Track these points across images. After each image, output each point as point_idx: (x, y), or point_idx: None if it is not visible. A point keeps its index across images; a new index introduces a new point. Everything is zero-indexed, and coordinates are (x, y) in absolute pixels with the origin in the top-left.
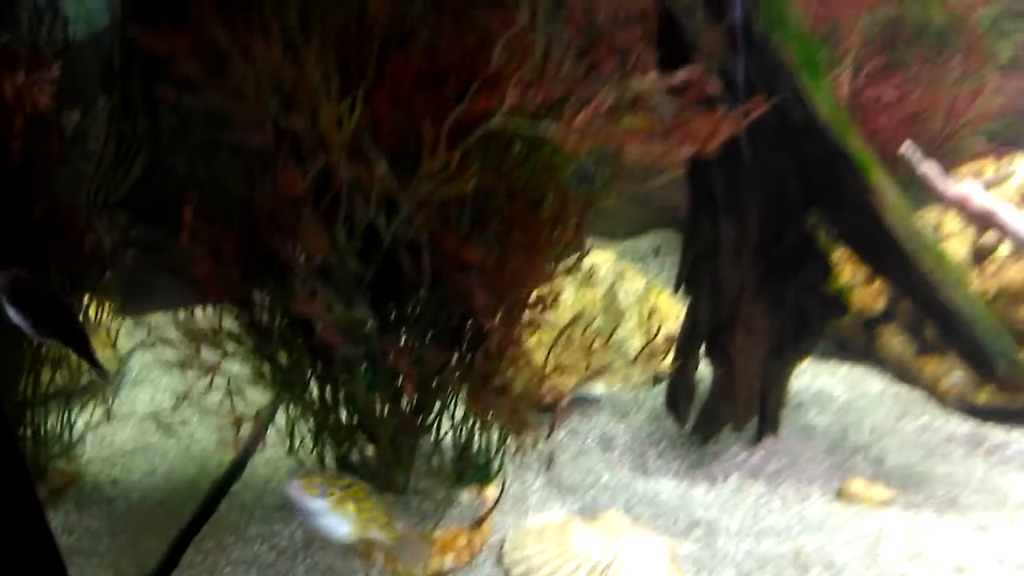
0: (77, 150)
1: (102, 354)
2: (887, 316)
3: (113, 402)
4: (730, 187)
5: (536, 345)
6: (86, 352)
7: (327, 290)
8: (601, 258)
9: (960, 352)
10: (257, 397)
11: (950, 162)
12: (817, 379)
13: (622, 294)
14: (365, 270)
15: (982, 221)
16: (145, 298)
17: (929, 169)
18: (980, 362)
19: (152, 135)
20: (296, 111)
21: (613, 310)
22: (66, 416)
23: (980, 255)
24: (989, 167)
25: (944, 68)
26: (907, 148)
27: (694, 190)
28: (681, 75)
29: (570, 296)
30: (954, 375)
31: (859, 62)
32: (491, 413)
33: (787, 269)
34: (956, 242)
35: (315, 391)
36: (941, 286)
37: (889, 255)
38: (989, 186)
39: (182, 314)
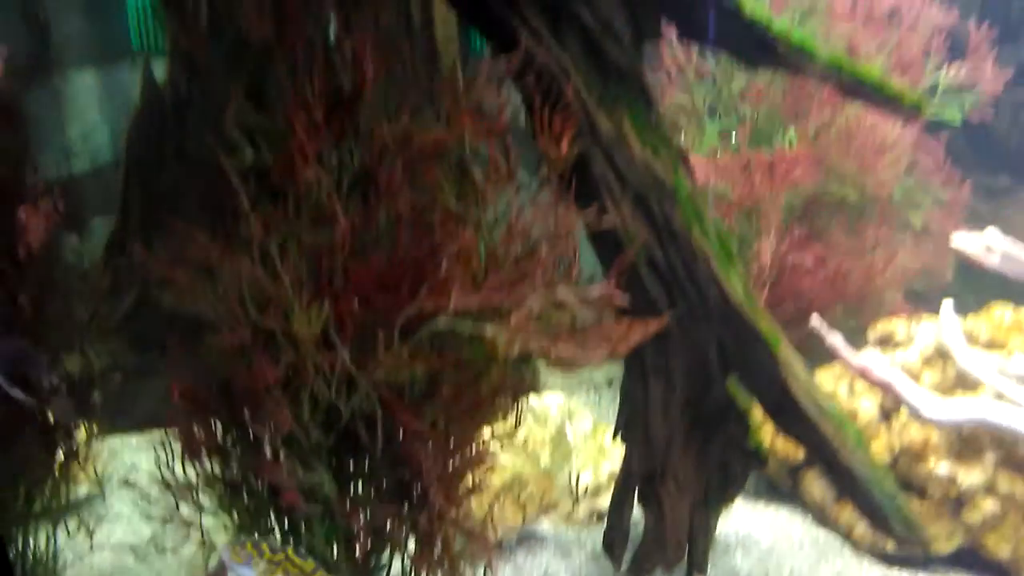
0: (73, 277)
1: (84, 477)
2: (809, 462)
3: (94, 530)
4: (658, 354)
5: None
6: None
7: (291, 457)
8: (552, 399)
9: (860, 510)
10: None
11: (871, 315)
12: (745, 522)
13: (571, 432)
14: (325, 440)
15: (882, 389)
16: (129, 416)
17: (835, 340)
18: (878, 521)
19: (145, 267)
20: (271, 314)
21: (562, 448)
22: (53, 543)
23: (887, 413)
24: (901, 326)
25: (862, 236)
26: (815, 321)
27: (628, 354)
28: (598, 289)
29: (521, 435)
30: (865, 523)
31: (783, 233)
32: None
33: (711, 426)
34: (867, 399)
35: (278, 538)
36: (841, 450)
37: (796, 420)
38: (898, 345)
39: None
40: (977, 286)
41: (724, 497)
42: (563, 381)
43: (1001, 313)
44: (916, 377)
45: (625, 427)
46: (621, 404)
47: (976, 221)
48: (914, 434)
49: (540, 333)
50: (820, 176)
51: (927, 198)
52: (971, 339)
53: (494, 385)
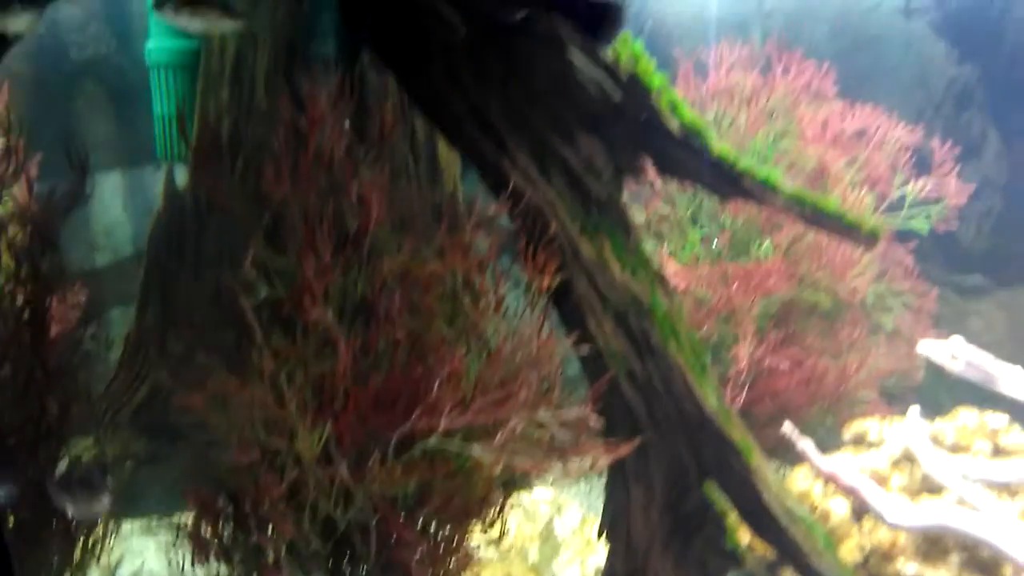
0: (93, 368)
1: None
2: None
3: None
4: (638, 460)
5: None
6: None
7: (291, 563)
8: (542, 494)
9: None
10: None
11: (846, 415)
12: None
13: (559, 526)
14: (323, 547)
15: (849, 494)
16: (139, 503)
17: (806, 446)
18: None
19: (160, 363)
20: (278, 435)
21: (551, 543)
22: None
23: (859, 514)
24: (874, 425)
25: (836, 339)
26: (787, 428)
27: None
28: (575, 411)
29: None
30: None
31: (760, 337)
32: None
33: (690, 528)
34: (840, 499)
35: None
36: (811, 553)
37: (768, 525)
38: (871, 445)
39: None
40: (950, 386)
41: None
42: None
43: (966, 417)
44: (885, 480)
45: (608, 528)
46: (605, 505)
47: (955, 316)
48: (883, 535)
49: (522, 451)
50: (793, 284)
51: (897, 302)
52: (937, 442)
53: (481, 495)
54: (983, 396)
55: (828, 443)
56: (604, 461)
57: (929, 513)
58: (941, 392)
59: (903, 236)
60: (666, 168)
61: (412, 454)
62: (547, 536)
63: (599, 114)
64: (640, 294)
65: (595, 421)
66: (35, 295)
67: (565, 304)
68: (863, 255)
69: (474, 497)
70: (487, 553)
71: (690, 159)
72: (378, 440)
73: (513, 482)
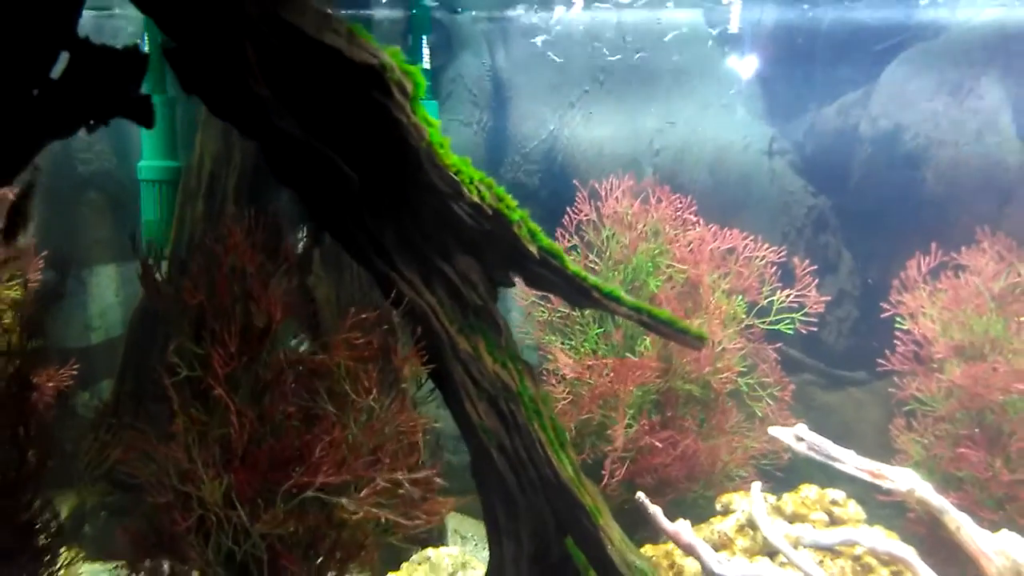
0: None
1: None
2: None
3: None
4: (509, 519)
5: None
6: None
7: None
8: (448, 551)
9: None
10: None
11: (719, 488)
12: None
13: None
14: (227, 574)
15: (687, 551)
16: (108, 548)
17: (654, 511)
18: None
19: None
20: (189, 483)
21: None
22: None
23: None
24: (738, 497)
25: (709, 423)
26: (640, 496)
27: (486, 511)
28: (423, 473)
29: None
30: None
31: (640, 419)
32: None
33: None
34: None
35: None
36: None
37: (610, 573)
38: (733, 512)
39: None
40: (821, 465)
41: None
42: (475, 530)
43: (808, 492)
44: (732, 542)
45: None
46: (489, 559)
47: (821, 404)
48: None
49: (383, 504)
50: (663, 376)
51: (766, 393)
52: (780, 512)
53: (359, 541)
54: (844, 476)
55: (706, 511)
56: (445, 512)
57: (746, 567)
58: (815, 470)
59: (772, 336)
60: (531, 282)
61: (294, 503)
62: None
63: (473, 239)
64: (509, 382)
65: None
66: (20, 370)
67: (447, 389)
68: (723, 353)
69: (355, 542)
70: None
71: (549, 275)
72: (271, 491)
73: (390, 531)
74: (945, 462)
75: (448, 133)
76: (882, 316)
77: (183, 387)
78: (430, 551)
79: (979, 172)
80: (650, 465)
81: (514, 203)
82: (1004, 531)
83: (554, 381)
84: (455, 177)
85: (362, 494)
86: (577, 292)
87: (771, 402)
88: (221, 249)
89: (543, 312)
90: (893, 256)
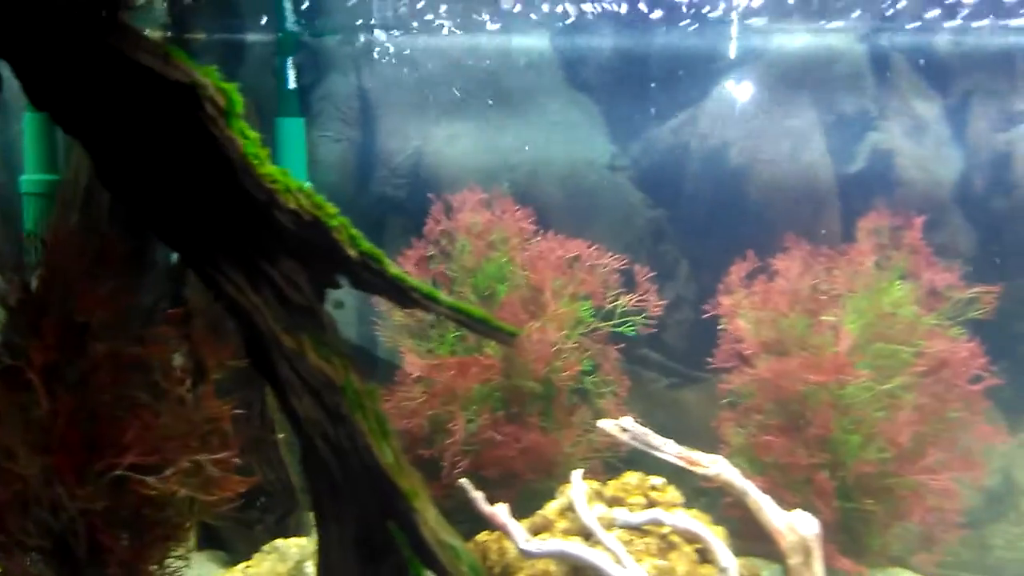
0: None
1: None
2: None
3: None
4: (333, 503)
5: None
6: None
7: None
8: (298, 541)
9: None
10: None
11: (564, 478)
12: None
13: (308, 568)
14: (48, 544)
15: (502, 530)
16: None
17: (476, 496)
18: None
19: None
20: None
21: None
22: None
23: None
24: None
25: (553, 418)
26: (464, 483)
27: (312, 496)
28: (227, 455)
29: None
30: None
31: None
32: None
33: (379, 560)
34: None
35: None
36: (452, 568)
37: (425, 553)
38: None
39: None
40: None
41: None
42: None
43: (630, 478)
44: (553, 523)
45: (317, 560)
46: (317, 542)
47: (661, 400)
48: (541, 566)
49: (188, 483)
50: (506, 375)
51: (608, 390)
52: (602, 496)
53: (173, 518)
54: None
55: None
56: (237, 489)
57: (551, 544)
58: (652, 460)
59: (615, 338)
60: (355, 284)
61: (105, 481)
62: (295, 575)
63: (296, 244)
64: (333, 376)
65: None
66: None
67: (273, 383)
68: (560, 352)
69: (171, 522)
70: None
71: (371, 277)
72: (87, 471)
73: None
74: (755, 449)
75: (319, 149)
76: (703, 318)
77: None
78: (279, 541)
79: (795, 186)
80: (495, 458)
81: (333, 210)
82: (796, 510)
83: (410, 381)
84: (270, 186)
85: (167, 473)
86: (398, 293)
87: (612, 399)
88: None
89: (400, 316)
90: (722, 263)
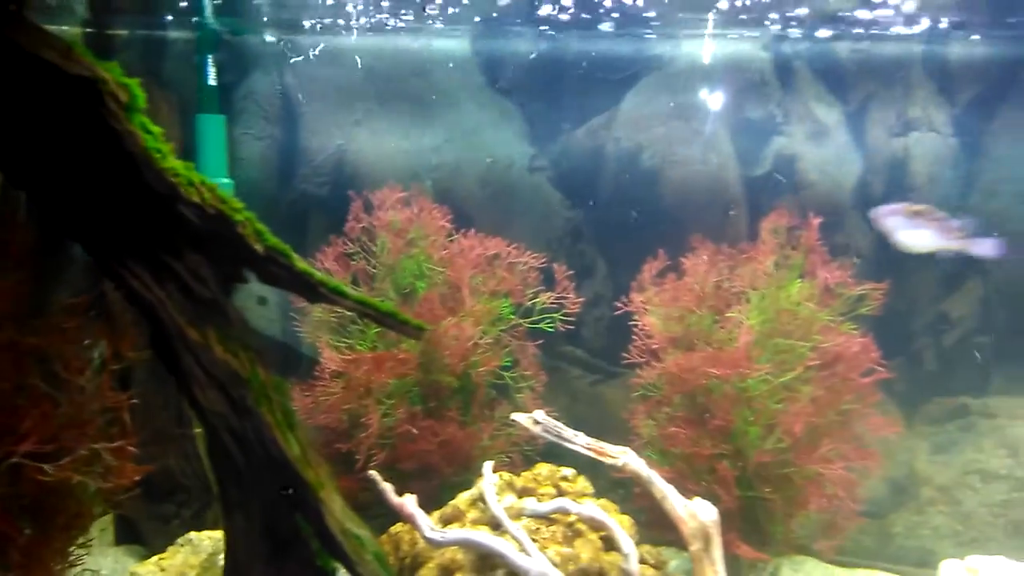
0: None
1: None
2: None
3: None
4: (239, 493)
5: None
6: None
7: None
8: (214, 534)
9: None
10: None
11: (481, 471)
12: None
13: (221, 560)
14: None
15: (408, 520)
16: None
17: (383, 487)
18: None
19: None
20: None
21: (212, 571)
22: None
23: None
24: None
25: (471, 413)
26: (372, 475)
27: (219, 487)
28: (116, 444)
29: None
30: None
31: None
32: None
33: (286, 550)
34: None
35: None
36: (358, 563)
37: (329, 541)
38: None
39: None
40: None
41: None
42: None
43: (541, 469)
44: (464, 514)
45: (226, 554)
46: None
47: (583, 395)
48: (449, 555)
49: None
50: (424, 370)
51: (526, 385)
52: (512, 487)
53: (75, 507)
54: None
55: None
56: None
57: (456, 533)
58: (568, 452)
59: (535, 334)
60: (262, 278)
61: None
62: (208, 566)
63: (201, 238)
64: (239, 369)
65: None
66: None
67: (178, 376)
68: (475, 347)
69: (70, 509)
70: (153, 573)
71: (278, 271)
72: None
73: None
74: (664, 440)
75: (242, 146)
76: (619, 315)
77: None
78: (192, 534)
79: (705, 188)
80: (412, 452)
81: (239, 205)
82: (696, 498)
83: (329, 376)
84: (172, 180)
85: (63, 461)
86: (305, 287)
87: (530, 393)
88: None
89: (319, 312)
90: (638, 262)
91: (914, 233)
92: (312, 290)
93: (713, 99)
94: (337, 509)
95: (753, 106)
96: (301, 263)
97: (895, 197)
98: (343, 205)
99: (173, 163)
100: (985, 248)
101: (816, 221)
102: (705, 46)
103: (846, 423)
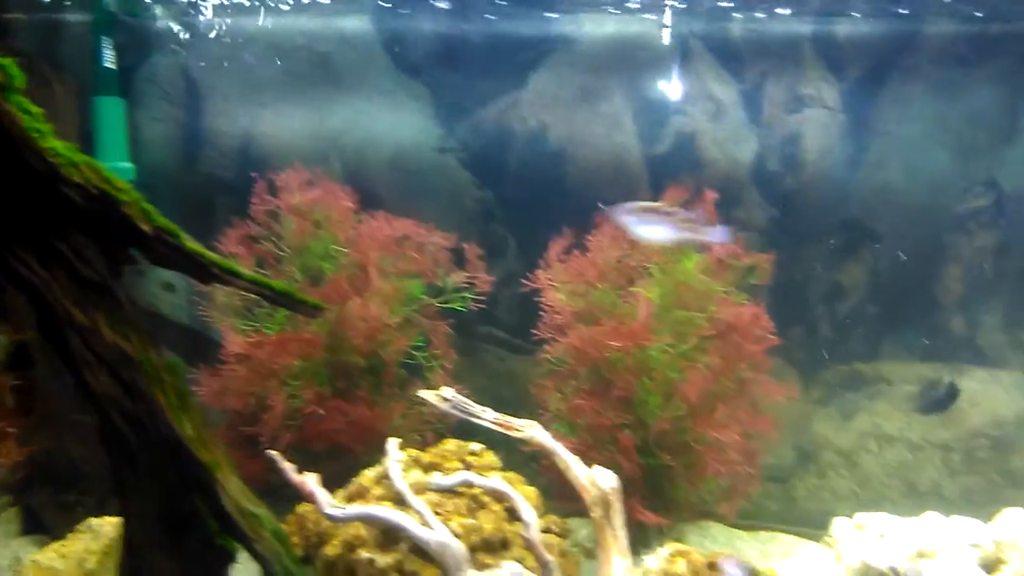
0: None
1: None
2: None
3: None
4: (132, 475)
5: None
6: None
7: None
8: (108, 520)
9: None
10: None
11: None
12: None
13: None
14: None
15: (307, 495)
16: None
17: (286, 466)
18: None
19: None
20: None
21: (111, 555)
22: None
23: None
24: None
25: (381, 393)
26: (272, 454)
27: (113, 471)
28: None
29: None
30: None
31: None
32: None
33: (183, 530)
34: None
35: None
36: (256, 540)
37: (226, 520)
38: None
39: None
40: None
41: None
42: None
43: (449, 445)
44: (369, 490)
45: (123, 537)
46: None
47: (498, 371)
48: (353, 531)
49: None
50: (328, 350)
51: (436, 364)
52: (419, 463)
53: None
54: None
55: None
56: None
57: (356, 509)
58: (483, 429)
59: (446, 313)
60: (153, 259)
61: None
62: (109, 552)
63: (87, 219)
64: (130, 352)
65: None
66: None
67: (65, 359)
68: (384, 328)
69: None
70: (53, 560)
71: (168, 252)
72: None
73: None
74: (570, 413)
75: (144, 130)
76: (528, 293)
77: None
78: (92, 520)
79: (610, 167)
80: (321, 432)
81: (124, 185)
82: (597, 467)
83: (235, 360)
84: (53, 160)
85: None
86: (197, 268)
87: (441, 372)
88: None
89: (224, 296)
90: (548, 240)
91: (648, 228)
92: (204, 270)
93: (615, 78)
94: (233, 488)
95: (654, 85)
96: (191, 243)
97: (785, 174)
98: (250, 188)
99: (54, 143)
100: (715, 235)
101: (711, 196)
102: (606, 25)
103: (742, 390)
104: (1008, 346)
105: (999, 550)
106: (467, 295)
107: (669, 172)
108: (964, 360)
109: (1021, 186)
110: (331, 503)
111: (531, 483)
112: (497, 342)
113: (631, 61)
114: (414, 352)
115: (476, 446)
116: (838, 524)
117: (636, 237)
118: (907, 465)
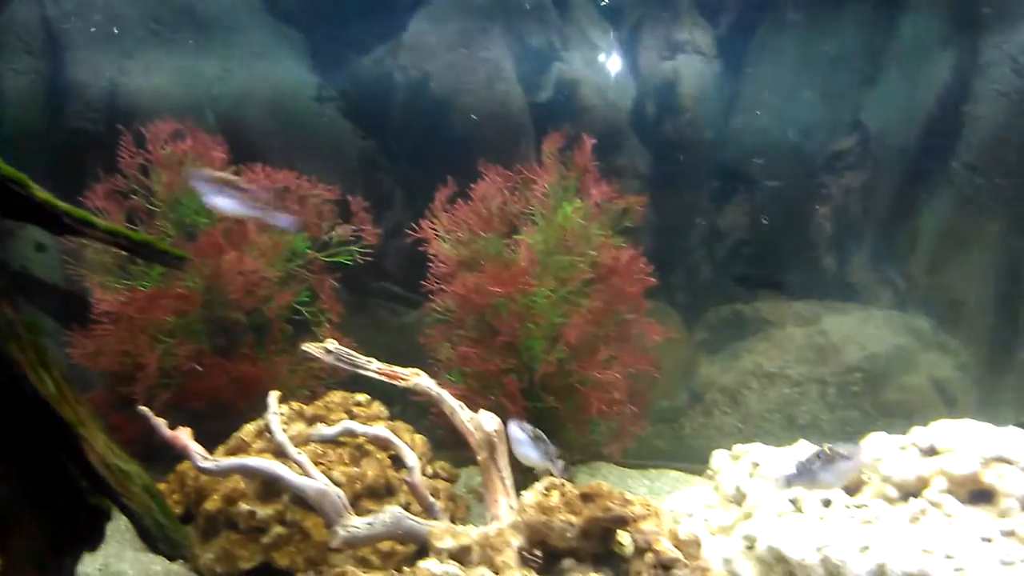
0: None
1: None
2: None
3: None
4: None
5: None
6: None
7: None
8: None
9: (139, 535)
10: None
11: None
12: None
13: None
14: None
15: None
16: None
17: (157, 422)
18: (149, 542)
19: None
20: None
21: None
22: None
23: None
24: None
25: (266, 349)
26: (143, 410)
27: None
28: None
29: None
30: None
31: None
32: None
33: (49, 488)
34: None
35: None
36: (126, 494)
37: (93, 477)
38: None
39: None
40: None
41: (81, 545)
42: None
43: (333, 397)
44: (250, 444)
45: None
46: None
47: (388, 323)
48: (231, 484)
49: None
50: (204, 306)
51: (323, 318)
52: (302, 416)
53: None
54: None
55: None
56: None
57: (231, 462)
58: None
59: (335, 267)
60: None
61: None
62: None
63: None
64: None
65: None
66: None
67: None
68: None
69: None
70: None
71: (15, 203)
72: None
73: None
74: (458, 361)
75: (4, 82)
76: (415, 244)
77: None
78: None
79: (493, 114)
80: (200, 390)
81: None
82: (481, 411)
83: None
84: None
85: None
86: (48, 218)
87: (328, 327)
88: None
89: (94, 253)
90: (435, 190)
91: (219, 199)
92: (56, 220)
93: (495, 26)
94: (99, 445)
95: (534, 33)
96: (42, 192)
97: (663, 119)
98: (118, 142)
99: None
100: (282, 220)
101: (589, 142)
102: None
103: (624, 332)
104: (878, 284)
105: (862, 472)
106: (354, 248)
107: (551, 119)
108: (837, 298)
109: (885, 127)
110: (204, 456)
111: (429, 434)
112: (391, 297)
113: (512, 7)
114: (300, 308)
115: (362, 397)
116: (717, 456)
117: (207, 206)
118: (787, 400)
